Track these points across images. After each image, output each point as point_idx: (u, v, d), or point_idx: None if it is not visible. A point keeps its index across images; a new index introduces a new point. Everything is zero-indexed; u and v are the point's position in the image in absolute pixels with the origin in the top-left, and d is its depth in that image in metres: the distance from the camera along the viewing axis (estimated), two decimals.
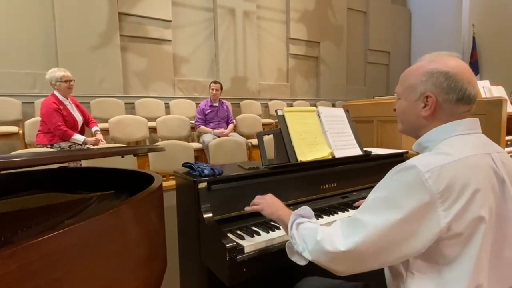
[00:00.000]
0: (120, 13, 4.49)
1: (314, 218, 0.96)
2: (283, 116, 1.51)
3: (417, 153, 0.89)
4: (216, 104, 4.33)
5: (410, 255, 0.74)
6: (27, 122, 3.48)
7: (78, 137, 3.08)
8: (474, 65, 6.95)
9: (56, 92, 3.08)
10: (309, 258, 0.84)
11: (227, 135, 4.07)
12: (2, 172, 1.27)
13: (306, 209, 0.97)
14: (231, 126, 4.38)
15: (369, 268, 0.78)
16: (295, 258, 0.92)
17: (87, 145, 3.11)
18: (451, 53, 0.86)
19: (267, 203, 1.09)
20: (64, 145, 3.05)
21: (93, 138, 3.19)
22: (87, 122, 3.34)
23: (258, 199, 1.14)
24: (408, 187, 0.73)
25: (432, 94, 0.82)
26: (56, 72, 3.06)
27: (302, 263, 0.89)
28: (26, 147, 3.48)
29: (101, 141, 3.23)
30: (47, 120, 2.98)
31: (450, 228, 0.70)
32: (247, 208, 1.14)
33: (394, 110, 0.95)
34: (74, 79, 3.17)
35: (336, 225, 0.82)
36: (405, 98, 0.90)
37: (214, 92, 4.26)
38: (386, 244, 0.73)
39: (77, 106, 3.30)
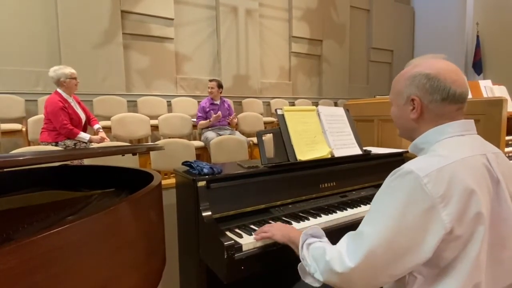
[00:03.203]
0: (122, 11, 4.51)
1: (325, 237, 0.95)
2: (282, 115, 1.52)
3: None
4: (217, 102, 4.32)
5: (420, 263, 0.73)
6: (30, 120, 3.51)
7: (83, 136, 3.11)
8: (478, 64, 6.91)
9: (59, 90, 3.09)
10: (321, 279, 0.83)
11: (232, 123, 4.18)
12: (5, 170, 1.29)
13: (315, 229, 0.96)
14: (234, 121, 4.40)
15: (383, 282, 0.77)
16: (308, 280, 0.89)
17: (93, 143, 3.14)
18: (437, 55, 0.87)
19: (276, 228, 1.10)
20: (70, 143, 3.07)
21: (98, 137, 3.22)
22: (88, 120, 3.37)
23: (266, 226, 1.14)
24: (407, 194, 0.72)
25: (416, 97, 0.84)
26: (65, 69, 3.09)
27: (316, 285, 0.87)
28: (29, 145, 3.51)
29: (105, 139, 3.26)
30: (53, 119, 2.99)
31: (452, 231, 0.70)
32: (256, 238, 1.12)
33: None
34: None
35: (342, 241, 0.81)
36: (395, 104, 0.92)
37: (210, 90, 4.24)
38: (393, 255, 0.72)
39: (79, 104, 3.32)
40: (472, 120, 0.85)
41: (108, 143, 3.18)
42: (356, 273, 0.75)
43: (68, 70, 3.10)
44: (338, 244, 0.82)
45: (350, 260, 0.75)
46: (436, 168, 0.72)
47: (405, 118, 0.89)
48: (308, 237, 0.94)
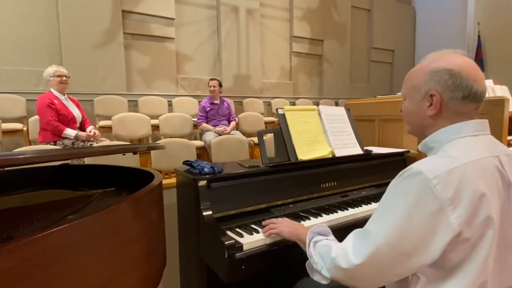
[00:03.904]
0: (123, 11, 4.51)
1: (331, 234, 0.95)
2: (283, 115, 1.51)
3: (419, 153, 0.89)
4: (217, 101, 4.33)
5: (426, 264, 0.73)
6: (31, 119, 3.52)
7: (69, 132, 3.08)
8: (479, 64, 6.86)
9: (51, 89, 3.14)
10: (328, 276, 0.83)
11: (229, 133, 4.07)
12: (6, 168, 1.29)
13: (322, 227, 0.97)
14: (233, 123, 4.37)
15: (389, 280, 0.77)
16: (316, 278, 0.90)
17: (80, 140, 3.12)
18: (456, 51, 0.84)
19: (284, 225, 1.10)
20: (68, 142, 3.07)
21: (84, 133, 3.18)
22: (83, 123, 3.36)
23: (274, 220, 1.15)
24: (416, 195, 0.71)
25: (437, 93, 0.80)
26: (51, 68, 3.14)
27: (324, 282, 0.88)
28: (30, 144, 3.51)
29: (93, 136, 3.19)
30: (40, 116, 3.03)
31: (461, 233, 0.69)
32: (264, 233, 1.15)
33: (401, 111, 0.94)
34: (68, 75, 3.21)
35: (349, 238, 0.82)
36: (410, 99, 0.88)
37: (212, 89, 4.25)
38: (399, 255, 0.72)
39: (78, 106, 3.34)
40: (486, 120, 0.83)
41: (107, 142, 3.17)
42: (361, 270, 0.75)
43: (53, 68, 3.14)
44: (344, 241, 0.83)
45: (355, 257, 0.75)
46: (446, 169, 0.71)
47: (420, 114, 0.85)
48: (315, 235, 0.94)
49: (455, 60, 0.80)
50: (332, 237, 0.94)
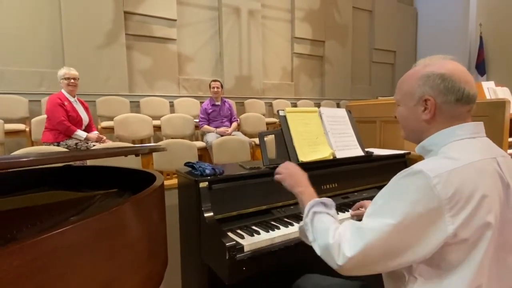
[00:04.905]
0: (125, 12, 4.53)
1: (334, 209, 0.91)
2: (284, 116, 1.52)
3: (420, 155, 0.89)
4: (218, 103, 4.34)
5: (416, 261, 0.73)
6: (33, 120, 3.54)
7: (80, 133, 3.14)
8: (481, 65, 6.88)
9: (62, 90, 3.19)
10: (318, 252, 0.82)
11: (230, 134, 4.08)
12: (9, 170, 1.30)
13: (327, 199, 0.92)
14: (234, 124, 4.39)
15: (375, 272, 0.77)
16: (307, 241, 0.88)
17: (90, 141, 3.17)
18: (445, 56, 0.86)
19: (289, 173, 1.05)
20: (71, 142, 3.09)
21: (95, 135, 3.24)
22: (89, 127, 3.39)
23: (282, 168, 1.09)
24: (415, 192, 0.72)
25: (431, 97, 0.82)
26: (61, 71, 3.19)
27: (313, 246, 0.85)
28: (32, 145, 3.53)
29: (103, 137, 3.27)
30: (51, 115, 3.05)
31: (456, 234, 0.70)
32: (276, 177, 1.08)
33: (395, 117, 0.95)
34: (77, 77, 3.23)
35: (346, 227, 0.79)
36: (404, 104, 0.90)
37: (215, 90, 4.27)
38: (391, 250, 0.72)
39: (86, 110, 3.37)
40: (482, 123, 0.84)
41: (109, 143, 3.19)
42: (352, 261, 0.74)
43: (63, 71, 3.18)
44: (340, 229, 0.79)
45: (349, 249, 0.75)
46: (447, 170, 0.72)
47: (415, 119, 0.86)
48: (316, 204, 0.89)
49: (446, 65, 0.82)
50: (333, 211, 0.90)
